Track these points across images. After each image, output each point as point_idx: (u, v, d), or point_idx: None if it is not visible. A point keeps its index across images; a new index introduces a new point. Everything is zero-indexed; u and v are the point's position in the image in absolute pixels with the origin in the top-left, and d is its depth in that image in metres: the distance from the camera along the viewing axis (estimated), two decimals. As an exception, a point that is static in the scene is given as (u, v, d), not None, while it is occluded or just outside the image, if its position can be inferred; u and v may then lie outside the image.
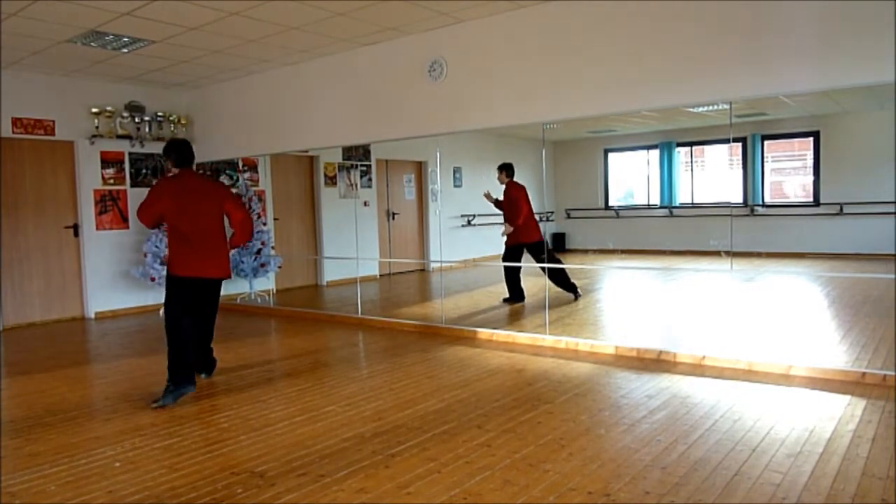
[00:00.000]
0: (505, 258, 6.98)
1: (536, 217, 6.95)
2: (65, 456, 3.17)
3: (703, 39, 4.42)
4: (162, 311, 4.19)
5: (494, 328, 5.70)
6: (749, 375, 4.26)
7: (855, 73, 3.95)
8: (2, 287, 6.78)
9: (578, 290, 6.98)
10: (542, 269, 6.47)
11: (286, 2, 4.92)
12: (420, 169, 9.73)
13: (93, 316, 7.41)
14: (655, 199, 10.77)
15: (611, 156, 11.04)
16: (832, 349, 4.85)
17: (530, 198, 7.01)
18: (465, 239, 9.35)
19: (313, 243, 9.17)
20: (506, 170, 6.97)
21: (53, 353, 5.61)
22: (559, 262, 7.05)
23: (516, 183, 6.96)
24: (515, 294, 6.95)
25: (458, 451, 3.06)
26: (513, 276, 6.95)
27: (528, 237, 6.84)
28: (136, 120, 7.63)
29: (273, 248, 8.30)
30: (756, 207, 10.33)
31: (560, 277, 6.79)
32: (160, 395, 3.99)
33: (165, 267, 4.42)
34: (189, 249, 4.14)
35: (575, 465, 2.87)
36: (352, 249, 7.84)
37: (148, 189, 4.53)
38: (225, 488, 2.74)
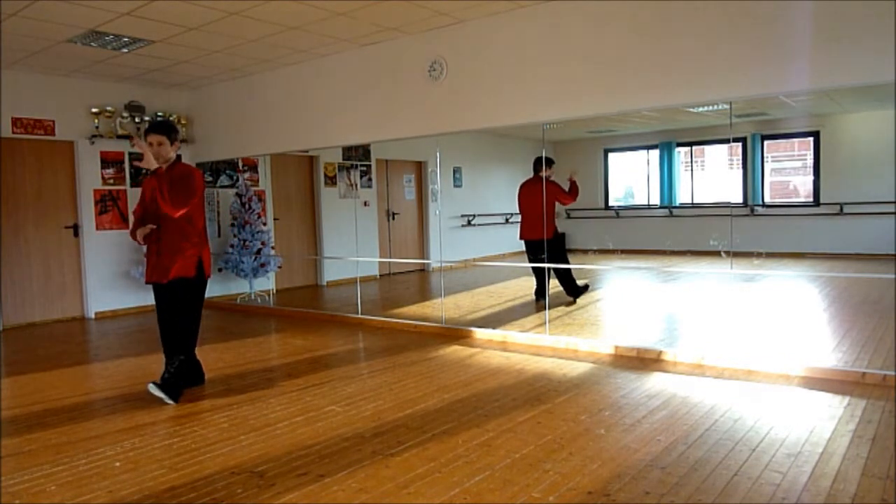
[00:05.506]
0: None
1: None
2: (65, 456, 3.17)
3: (703, 39, 4.42)
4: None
5: (494, 328, 5.70)
6: (749, 375, 4.26)
7: (855, 73, 3.95)
8: (2, 287, 6.78)
9: (580, 291, 6.96)
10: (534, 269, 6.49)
11: (286, 2, 4.92)
12: (420, 169, 9.74)
13: (93, 316, 7.41)
14: (655, 199, 10.78)
15: (611, 156, 11.06)
16: (832, 349, 4.85)
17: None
18: (465, 239, 9.37)
19: (313, 243, 9.17)
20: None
21: (53, 353, 5.61)
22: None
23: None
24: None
25: (458, 451, 3.06)
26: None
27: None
28: (136, 120, 7.63)
29: (273, 248, 8.30)
30: (756, 207, 10.34)
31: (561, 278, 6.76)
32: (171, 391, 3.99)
33: (190, 269, 4.07)
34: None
35: (575, 465, 2.87)
36: (352, 249, 7.85)
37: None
38: (225, 488, 2.74)
